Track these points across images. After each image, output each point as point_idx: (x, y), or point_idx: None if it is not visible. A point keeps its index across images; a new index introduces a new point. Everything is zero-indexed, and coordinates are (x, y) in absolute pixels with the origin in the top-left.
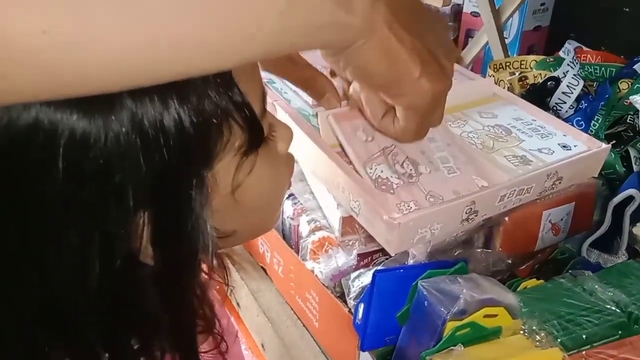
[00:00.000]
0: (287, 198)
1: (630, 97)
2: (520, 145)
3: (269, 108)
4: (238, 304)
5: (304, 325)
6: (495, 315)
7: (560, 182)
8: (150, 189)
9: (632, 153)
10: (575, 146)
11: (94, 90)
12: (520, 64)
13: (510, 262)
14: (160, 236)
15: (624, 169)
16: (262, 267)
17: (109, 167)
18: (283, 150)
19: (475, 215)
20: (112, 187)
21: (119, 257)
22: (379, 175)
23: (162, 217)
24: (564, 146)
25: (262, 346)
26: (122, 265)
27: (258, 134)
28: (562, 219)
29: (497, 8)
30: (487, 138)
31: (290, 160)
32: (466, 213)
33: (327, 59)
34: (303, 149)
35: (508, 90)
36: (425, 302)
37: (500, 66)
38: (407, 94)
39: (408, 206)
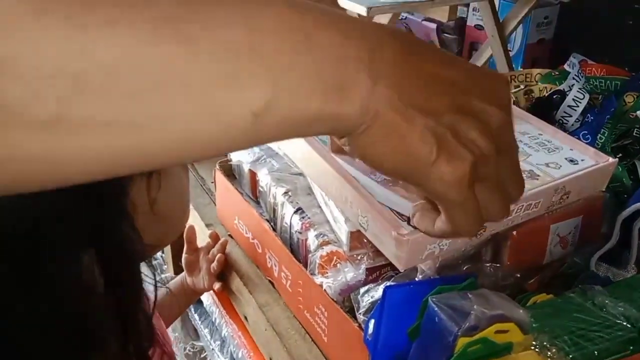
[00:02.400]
0: (295, 212)
1: (638, 111)
2: (527, 160)
3: None
4: (246, 318)
5: (312, 340)
6: (506, 331)
7: (567, 197)
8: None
9: (639, 166)
10: (582, 160)
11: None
12: (525, 77)
13: (518, 276)
14: (106, 266)
15: (631, 182)
16: (269, 281)
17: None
18: None
19: (484, 231)
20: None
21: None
22: (385, 178)
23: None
24: (571, 160)
25: None
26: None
27: None
28: (570, 233)
29: (501, 21)
30: None
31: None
32: None
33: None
34: (311, 164)
35: (514, 103)
36: (436, 318)
37: None
38: (428, 182)
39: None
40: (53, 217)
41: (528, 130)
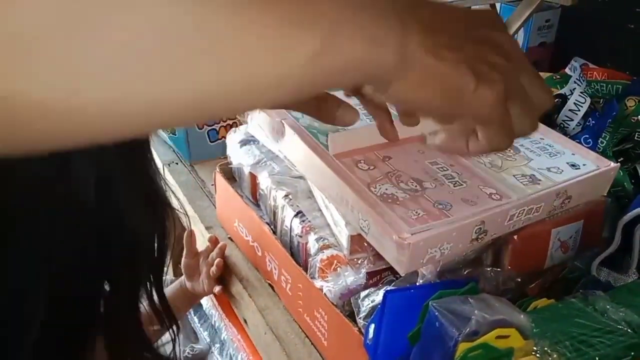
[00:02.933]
0: (295, 215)
1: (639, 115)
2: (529, 165)
3: (275, 125)
4: (245, 321)
5: (312, 344)
6: (507, 337)
7: (569, 201)
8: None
9: None
10: (584, 165)
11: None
12: None
13: (519, 280)
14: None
15: (633, 186)
16: (269, 284)
17: None
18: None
19: (485, 235)
20: None
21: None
22: (384, 192)
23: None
24: (573, 165)
25: None
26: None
27: None
28: (571, 237)
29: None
30: (495, 157)
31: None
32: (476, 233)
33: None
34: (311, 167)
35: None
36: (437, 323)
37: None
38: (473, 109)
39: (416, 213)
40: None
41: (536, 144)
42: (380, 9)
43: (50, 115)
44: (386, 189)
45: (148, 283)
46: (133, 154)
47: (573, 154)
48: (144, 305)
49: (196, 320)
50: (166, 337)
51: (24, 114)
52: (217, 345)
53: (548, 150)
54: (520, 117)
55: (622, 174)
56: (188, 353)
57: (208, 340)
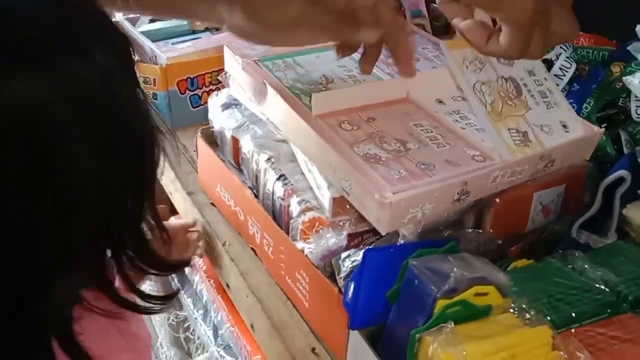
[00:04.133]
0: (278, 179)
1: (623, 78)
2: (526, 116)
3: (257, 86)
4: (227, 285)
5: (293, 306)
6: (485, 294)
7: (552, 165)
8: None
9: (623, 136)
10: (572, 127)
11: None
12: None
13: (500, 242)
14: None
15: (615, 151)
16: (252, 248)
17: None
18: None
19: (467, 196)
20: None
21: None
22: (367, 152)
23: None
24: (564, 125)
25: (252, 327)
26: None
27: None
28: (552, 201)
29: None
30: (497, 96)
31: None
32: (458, 194)
33: None
34: (294, 128)
35: None
36: (416, 281)
37: None
38: (508, 8)
39: (399, 173)
40: None
41: (536, 70)
42: None
43: None
44: (369, 149)
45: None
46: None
47: (569, 110)
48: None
49: (179, 287)
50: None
51: None
52: (201, 312)
53: (547, 99)
54: (538, 39)
55: (604, 139)
56: (172, 320)
57: (192, 307)
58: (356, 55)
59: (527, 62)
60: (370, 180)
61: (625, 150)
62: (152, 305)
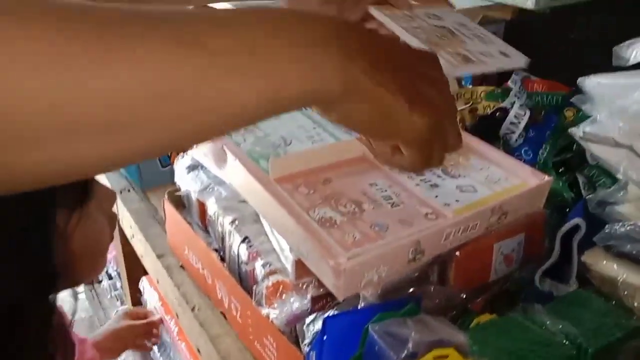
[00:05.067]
0: (242, 241)
1: (569, 129)
2: (463, 46)
3: (218, 152)
4: (199, 350)
5: None
6: (446, 357)
7: (505, 217)
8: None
9: (580, 179)
10: (518, 181)
11: None
12: (472, 95)
13: (464, 296)
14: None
15: (573, 196)
16: (221, 313)
17: None
18: (107, 209)
19: (422, 255)
20: None
21: None
22: (323, 216)
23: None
24: (504, 54)
25: None
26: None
27: (81, 196)
28: (513, 250)
29: None
30: (432, 35)
31: (113, 219)
32: (412, 253)
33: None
34: (253, 194)
35: (459, 122)
36: (376, 347)
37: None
38: (402, 132)
39: (353, 236)
40: None
41: (467, 23)
42: (320, 45)
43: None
44: (324, 213)
45: None
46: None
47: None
48: None
49: (155, 348)
50: None
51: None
52: None
53: (482, 38)
54: (439, 151)
55: (561, 184)
56: None
57: None
58: (309, 111)
59: (457, 16)
60: (325, 246)
61: (584, 193)
62: None
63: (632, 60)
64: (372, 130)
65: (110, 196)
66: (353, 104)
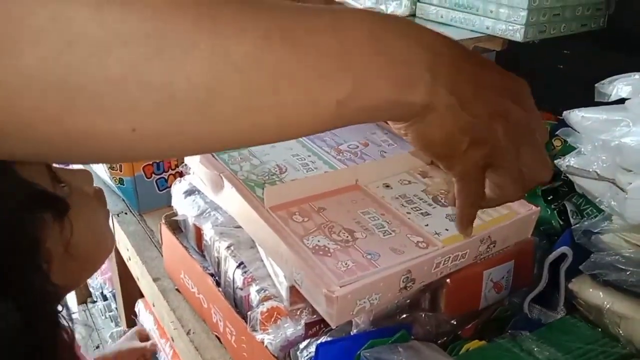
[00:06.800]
0: (237, 267)
1: (554, 161)
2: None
3: (214, 179)
4: None
5: None
6: None
7: (494, 246)
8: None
9: (569, 207)
10: (508, 209)
11: None
12: None
13: (454, 323)
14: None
15: (561, 223)
16: (216, 336)
17: None
18: (90, 192)
19: (413, 283)
20: None
21: None
22: (316, 244)
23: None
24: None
25: None
26: None
27: (60, 205)
28: (503, 277)
29: None
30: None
31: (99, 193)
32: (403, 282)
33: (392, 125)
34: (249, 221)
35: None
36: None
37: None
38: (453, 165)
39: (345, 265)
40: None
41: None
42: (416, 60)
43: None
44: (318, 241)
45: None
46: None
47: None
48: None
49: None
50: None
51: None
52: None
53: None
54: (503, 186)
55: (549, 212)
56: None
57: None
58: (304, 140)
59: None
60: (319, 273)
61: (572, 221)
62: None
63: (613, 97)
64: (433, 153)
65: (86, 176)
66: (426, 122)
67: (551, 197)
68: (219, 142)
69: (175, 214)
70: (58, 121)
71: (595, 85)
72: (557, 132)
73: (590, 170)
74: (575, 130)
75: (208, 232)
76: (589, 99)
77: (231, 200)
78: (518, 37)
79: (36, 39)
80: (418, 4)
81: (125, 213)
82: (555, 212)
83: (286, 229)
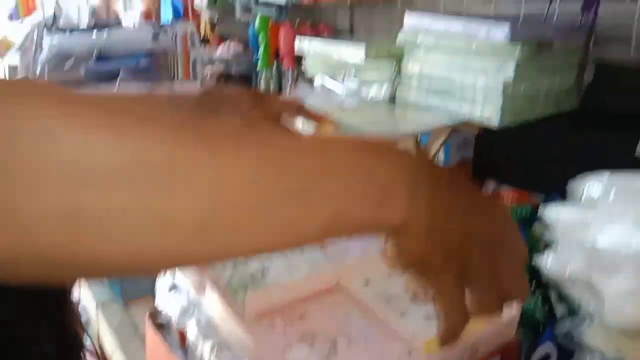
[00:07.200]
0: None
1: (535, 257)
2: None
3: (198, 279)
4: None
5: None
6: None
7: (478, 350)
8: None
9: (552, 296)
10: None
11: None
12: None
13: None
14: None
15: (545, 313)
16: None
17: None
18: None
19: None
20: None
21: None
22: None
23: None
24: None
25: None
26: None
27: None
28: None
29: (422, 146)
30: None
31: None
32: None
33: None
34: (230, 329)
35: None
36: None
37: None
38: (430, 280)
39: None
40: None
41: None
42: (394, 181)
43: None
44: (300, 355)
45: None
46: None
47: None
48: None
49: None
50: None
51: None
52: None
53: None
54: (480, 299)
55: (533, 305)
56: None
57: None
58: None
59: None
60: None
61: (557, 313)
62: None
63: (585, 197)
64: (409, 268)
65: None
66: (405, 236)
67: (533, 285)
68: (210, 261)
69: (160, 310)
70: (67, 247)
71: (568, 183)
72: (534, 229)
73: (567, 273)
74: (552, 226)
75: (191, 331)
76: (566, 178)
77: (213, 305)
78: (494, 122)
79: (60, 174)
80: (398, 88)
81: (110, 303)
82: (538, 303)
83: (267, 343)
